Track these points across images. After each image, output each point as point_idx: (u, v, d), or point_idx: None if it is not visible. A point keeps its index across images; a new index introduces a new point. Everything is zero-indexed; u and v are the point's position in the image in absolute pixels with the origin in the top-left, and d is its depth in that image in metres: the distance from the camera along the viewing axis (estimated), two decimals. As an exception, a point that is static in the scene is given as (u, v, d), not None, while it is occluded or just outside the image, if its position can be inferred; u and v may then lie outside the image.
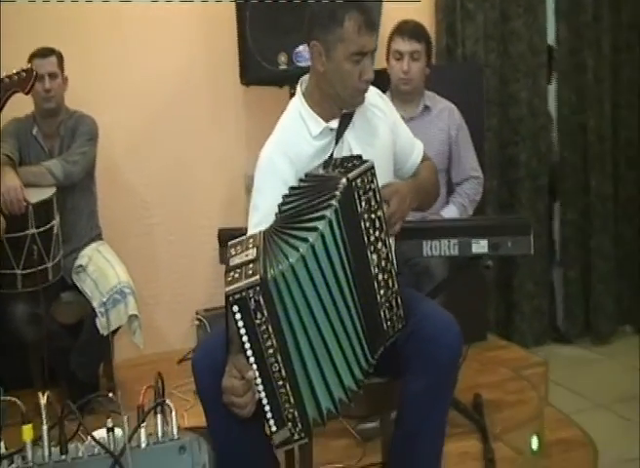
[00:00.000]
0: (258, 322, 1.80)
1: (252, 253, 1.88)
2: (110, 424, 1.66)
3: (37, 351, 3.20)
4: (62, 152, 3.38)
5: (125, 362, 3.75)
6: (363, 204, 2.00)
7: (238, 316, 1.79)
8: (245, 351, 1.81)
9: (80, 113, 3.50)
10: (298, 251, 1.87)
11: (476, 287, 3.96)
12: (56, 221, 3.19)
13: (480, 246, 2.75)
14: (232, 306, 1.78)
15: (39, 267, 3.09)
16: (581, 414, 3.48)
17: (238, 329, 1.79)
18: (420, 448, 2.17)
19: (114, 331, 3.27)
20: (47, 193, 3.17)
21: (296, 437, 1.92)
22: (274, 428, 1.88)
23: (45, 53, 3.30)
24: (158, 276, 4.07)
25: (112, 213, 3.80)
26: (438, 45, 4.36)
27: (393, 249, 2.15)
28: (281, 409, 1.88)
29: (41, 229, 3.10)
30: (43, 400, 1.63)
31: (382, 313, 2.06)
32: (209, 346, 2.10)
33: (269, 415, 1.87)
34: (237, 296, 1.78)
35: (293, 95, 3.75)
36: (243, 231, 2.37)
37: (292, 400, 1.89)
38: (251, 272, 1.81)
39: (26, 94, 2.75)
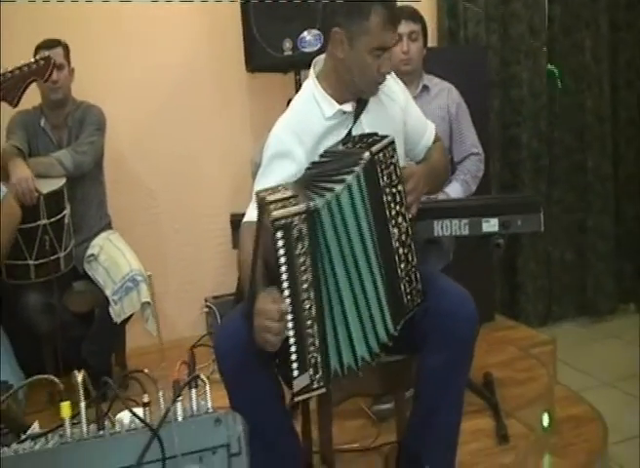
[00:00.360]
0: (297, 252, 1.82)
1: (288, 192, 1.90)
2: (146, 399, 1.68)
3: (50, 340, 3.23)
4: (71, 143, 3.40)
5: (135, 350, 3.76)
6: (385, 178, 2.03)
7: (280, 243, 1.80)
8: (281, 282, 1.82)
9: (87, 103, 3.51)
10: (333, 191, 1.91)
11: (483, 268, 3.99)
12: (66, 211, 3.21)
13: (490, 225, 2.77)
14: (276, 232, 1.79)
15: (51, 257, 3.12)
16: (588, 392, 3.52)
17: (278, 257, 1.81)
18: (439, 422, 2.19)
19: (126, 320, 3.30)
20: (57, 183, 3.19)
21: (315, 385, 1.92)
22: (296, 372, 1.88)
23: (51, 44, 3.30)
24: (166, 264, 4.08)
25: (119, 202, 3.80)
26: (440, 28, 4.40)
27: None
28: (305, 351, 1.88)
29: (52, 219, 3.12)
30: (79, 377, 1.65)
31: (403, 286, 2.08)
32: (231, 327, 2.09)
33: (294, 357, 1.87)
34: (282, 222, 1.79)
35: (298, 81, 3.84)
36: (256, 216, 2.40)
37: (317, 343, 1.89)
38: (294, 203, 1.84)
39: (45, 81, 2.76)
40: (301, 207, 1.83)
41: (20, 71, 2.59)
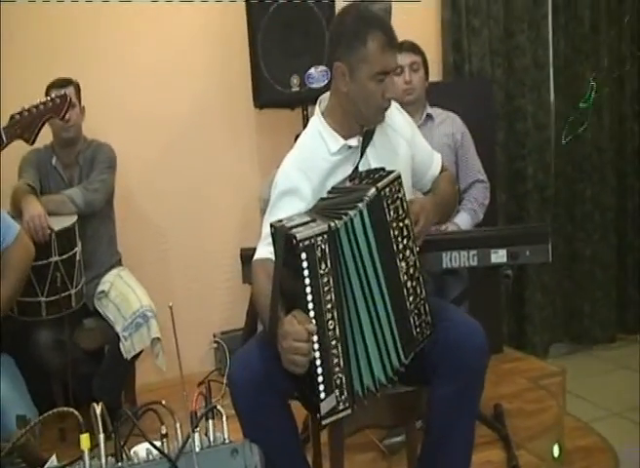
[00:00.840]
0: (321, 272, 1.86)
1: (306, 219, 1.95)
2: (164, 431, 1.69)
3: (61, 377, 3.24)
4: (82, 181, 3.44)
5: (145, 386, 3.77)
6: (392, 212, 2.05)
7: (305, 264, 1.83)
8: (306, 303, 1.86)
9: (98, 142, 3.55)
10: (347, 215, 1.95)
11: (491, 300, 4.00)
12: (78, 248, 3.24)
13: (499, 256, 2.79)
14: (301, 253, 1.83)
15: (62, 294, 3.14)
16: (597, 423, 3.52)
17: (303, 278, 1.84)
18: (450, 453, 2.20)
19: (136, 356, 3.31)
20: (69, 221, 3.22)
21: (341, 406, 1.94)
22: (323, 394, 1.89)
23: (63, 83, 3.35)
24: (174, 301, 4.06)
25: (128, 239, 3.83)
26: (445, 61, 4.45)
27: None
28: (331, 372, 1.90)
29: (64, 257, 3.15)
30: (98, 409, 1.66)
31: (412, 319, 2.09)
32: (245, 359, 2.12)
33: (320, 379, 1.88)
34: (307, 243, 1.83)
35: (305, 116, 3.89)
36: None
37: (341, 363, 1.92)
38: (315, 225, 1.89)
39: (61, 119, 2.79)
40: (324, 227, 1.88)
41: (36, 109, 2.63)
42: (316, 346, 1.86)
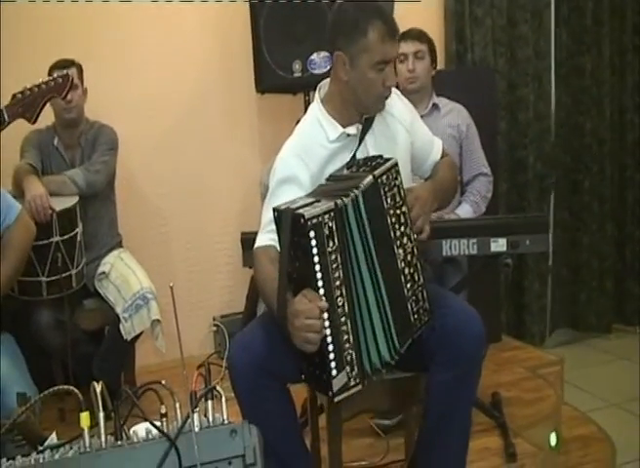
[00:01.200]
0: (329, 250, 1.87)
1: (310, 200, 1.96)
2: (164, 410, 1.70)
3: (61, 357, 3.25)
4: (83, 162, 3.43)
5: (144, 368, 3.78)
6: (389, 200, 2.06)
7: (314, 242, 1.84)
8: (315, 281, 1.86)
9: (100, 123, 3.55)
10: (352, 193, 1.96)
11: (490, 289, 4.01)
12: (79, 229, 3.24)
13: (499, 244, 2.79)
14: (309, 231, 1.84)
15: (63, 274, 3.14)
16: (595, 413, 3.54)
17: (311, 256, 1.85)
18: (447, 439, 2.21)
19: (136, 337, 3.32)
20: (70, 202, 3.22)
21: (352, 383, 1.95)
22: (335, 371, 1.90)
23: (65, 64, 3.33)
24: (175, 283, 4.06)
25: (129, 221, 3.84)
26: (448, 50, 4.44)
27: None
28: (342, 348, 1.92)
29: (65, 237, 3.15)
30: (98, 388, 1.67)
31: (410, 306, 2.11)
32: (245, 343, 2.13)
33: (332, 356, 1.89)
34: (315, 221, 1.84)
35: (307, 102, 3.89)
36: (265, 235, 2.42)
37: (351, 339, 1.94)
38: (321, 204, 1.90)
39: (63, 99, 2.79)
40: (330, 205, 1.89)
41: (38, 88, 2.62)
42: (327, 324, 1.87)
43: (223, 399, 1.82)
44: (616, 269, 5.01)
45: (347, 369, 1.93)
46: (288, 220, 1.89)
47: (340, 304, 1.91)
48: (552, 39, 4.72)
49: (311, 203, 1.92)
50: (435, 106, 3.46)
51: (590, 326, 4.92)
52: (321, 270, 1.86)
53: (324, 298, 1.87)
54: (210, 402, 1.80)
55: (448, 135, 3.34)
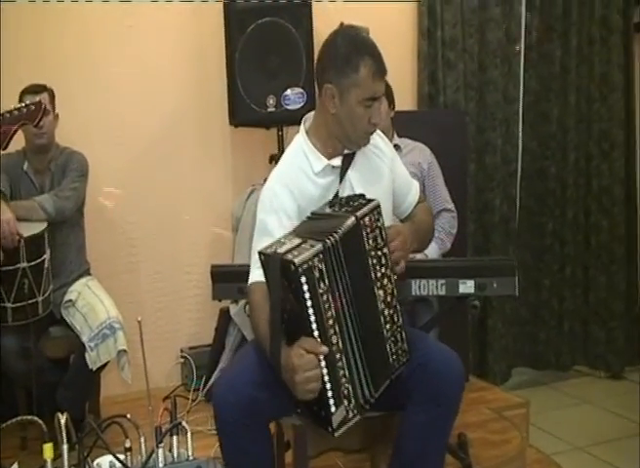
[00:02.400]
0: (321, 291, 1.88)
1: (296, 241, 1.96)
2: (128, 444, 1.68)
3: (25, 385, 3.19)
4: (53, 188, 3.40)
5: (110, 398, 3.74)
6: (370, 241, 2.06)
7: (306, 287, 1.85)
8: (310, 324, 1.87)
9: (70, 150, 3.52)
10: (336, 234, 1.97)
11: (458, 329, 4.03)
12: (46, 256, 3.19)
13: (467, 286, 2.81)
14: (301, 277, 1.84)
15: (29, 301, 3.08)
16: (559, 456, 3.55)
17: (304, 301, 1.85)
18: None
19: (102, 367, 3.27)
20: (39, 228, 3.17)
21: (350, 415, 1.97)
22: (333, 408, 1.92)
23: (37, 89, 3.31)
24: (143, 313, 4.02)
25: (98, 249, 3.80)
26: (420, 92, 4.50)
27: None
28: (339, 383, 1.93)
29: (32, 263, 3.09)
30: (63, 420, 1.65)
31: (388, 347, 2.10)
32: (232, 382, 2.10)
33: (330, 394, 1.91)
34: (305, 266, 1.85)
35: (280, 136, 3.91)
36: (235, 268, 2.43)
37: (347, 374, 1.95)
38: (309, 246, 1.90)
39: (35, 126, 2.77)
40: (319, 247, 1.90)
41: (10, 115, 2.60)
42: (323, 364, 1.89)
43: (189, 434, 1.80)
44: (581, 312, 5.06)
45: (345, 402, 1.95)
46: (277, 266, 1.90)
47: (335, 342, 1.92)
48: (521, 84, 4.80)
49: (298, 245, 1.92)
50: (396, 147, 3.48)
51: (549, 364, 4.97)
52: (315, 313, 1.87)
53: (319, 340, 1.88)
54: (175, 437, 1.78)
55: (410, 173, 3.36)
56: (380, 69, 2.21)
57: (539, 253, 4.96)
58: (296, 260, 1.83)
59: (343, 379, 1.94)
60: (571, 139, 4.90)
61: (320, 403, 1.92)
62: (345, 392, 1.94)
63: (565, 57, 4.84)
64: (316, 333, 1.88)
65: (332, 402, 1.91)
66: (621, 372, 4.98)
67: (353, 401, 1.97)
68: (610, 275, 5.01)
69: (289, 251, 1.89)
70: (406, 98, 4.46)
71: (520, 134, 4.85)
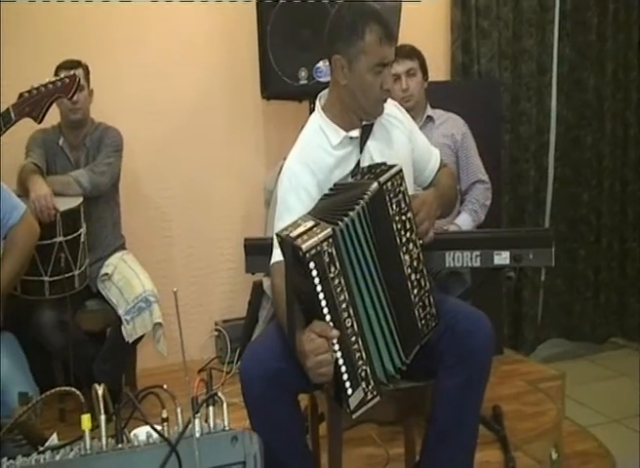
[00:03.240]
0: (331, 275, 1.87)
1: (309, 224, 1.95)
2: (165, 415, 1.69)
3: (62, 358, 3.25)
4: (88, 163, 3.43)
5: (145, 371, 3.79)
6: (394, 206, 2.06)
7: (315, 272, 1.85)
8: (321, 309, 1.87)
9: (105, 125, 3.55)
10: (348, 216, 1.95)
11: (492, 302, 4.00)
12: (82, 230, 3.23)
13: (502, 258, 2.78)
14: (309, 262, 1.84)
15: (66, 275, 3.14)
16: (596, 429, 3.54)
17: (314, 286, 1.85)
18: (455, 444, 2.19)
19: (138, 340, 3.31)
20: (74, 202, 3.21)
21: (369, 396, 1.96)
22: (350, 390, 1.92)
23: (71, 65, 3.33)
24: (177, 287, 4.07)
25: (132, 224, 3.84)
26: (454, 62, 4.45)
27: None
28: (355, 367, 1.93)
29: (68, 237, 3.14)
30: (100, 391, 1.66)
31: (417, 312, 2.10)
32: (259, 356, 2.11)
33: (345, 377, 1.91)
34: (313, 251, 1.84)
35: (313, 109, 3.87)
36: (268, 241, 2.42)
37: (364, 355, 1.95)
38: (319, 231, 1.89)
39: (69, 99, 2.79)
40: (328, 231, 1.88)
41: (45, 88, 2.62)
42: (337, 347, 1.88)
43: (225, 405, 1.81)
44: (617, 283, 5.01)
45: (363, 384, 1.94)
46: (289, 250, 1.91)
47: (349, 325, 1.91)
48: (555, 54, 4.73)
49: (311, 228, 1.91)
50: (429, 118, 3.47)
51: (584, 336, 4.94)
52: (325, 297, 1.87)
53: (332, 324, 1.88)
54: (211, 408, 1.79)
55: (443, 144, 3.34)
56: (386, 34, 2.20)
57: (574, 223, 4.91)
58: (303, 246, 1.83)
59: (360, 362, 1.93)
60: (608, 109, 4.82)
61: (337, 385, 1.93)
62: (363, 374, 1.94)
63: (601, 23, 4.75)
64: (328, 318, 1.87)
65: (348, 384, 1.91)
66: (660, 344, 4.93)
67: (372, 382, 1.96)
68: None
69: (300, 235, 1.89)
70: (440, 69, 4.42)
71: (554, 103, 4.78)
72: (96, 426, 1.68)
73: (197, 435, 1.69)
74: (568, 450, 3.12)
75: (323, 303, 1.86)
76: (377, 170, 2.14)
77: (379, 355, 2.03)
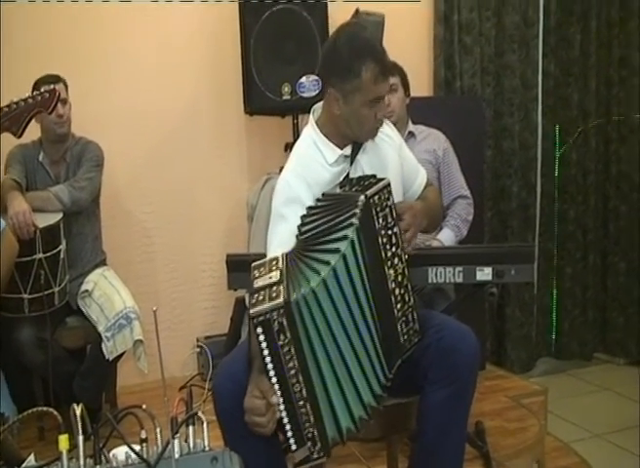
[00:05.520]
0: (280, 343, 1.83)
1: (275, 276, 1.91)
2: (144, 435, 1.67)
3: (41, 375, 3.22)
4: (68, 178, 3.41)
5: (126, 388, 3.76)
6: (380, 220, 2.05)
7: (262, 338, 1.81)
8: (267, 372, 1.84)
9: (86, 139, 3.52)
10: (319, 274, 1.90)
11: (474, 317, 4.00)
12: (62, 246, 3.21)
13: (484, 273, 2.77)
14: (256, 328, 1.80)
15: (46, 292, 3.11)
16: (578, 444, 3.53)
17: (261, 350, 1.82)
18: (443, 459, 2.18)
19: (118, 357, 3.28)
20: (54, 218, 3.19)
21: (315, 455, 1.93)
22: (294, 447, 1.90)
23: (53, 79, 3.29)
24: (158, 303, 4.07)
25: (114, 239, 3.81)
26: (436, 78, 4.46)
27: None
28: (301, 428, 1.90)
29: (48, 254, 3.12)
30: (78, 410, 1.64)
31: (399, 327, 2.09)
32: (231, 370, 2.09)
33: (289, 434, 1.89)
34: (261, 318, 1.80)
35: (296, 124, 3.90)
36: (251, 257, 2.41)
37: (312, 419, 1.91)
38: (274, 295, 1.84)
39: (50, 113, 2.75)
40: (279, 302, 1.82)
41: (25, 103, 2.59)
42: (282, 408, 1.86)
43: (205, 424, 1.80)
44: (598, 298, 5.02)
45: (309, 444, 1.91)
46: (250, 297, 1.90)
47: (297, 390, 1.87)
48: (540, 70, 4.75)
49: (272, 285, 1.87)
50: (411, 134, 3.48)
51: (573, 354, 4.93)
52: (272, 362, 1.83)
53: (277, 387, 1.84)
54: (191, 427, 1.77)
55: (424, 160, 3.34)
56: (382, 71, 2.19)
57: (561, 240, 4.93)
58: (251, 311, 1.81)
59: (307, 424, 1.90)
60: (592, 125, 4.84)
61: (284, 436, 1.91)
62: (309, 435, 1.91)
63: (584, 40, 4.78)
64: (274, 380, 1.84)
65: (292, 441, 1.89)
66: (641, 358, 4.94)
67: (319, 444, 1.92)
68: (629, 261, 4.96)
69: (258, 290, 1.87)
70: (422, 84, 4.43)
71: (540, 119, 4.80)
72: (74, 446, 1.66)
73: (176, 456, 1.67)
74: (550, 466, 3.12)
75: (270, 366, 1.83)
76: (365, 182, 2.13)
77: (337, 414, 1.97)
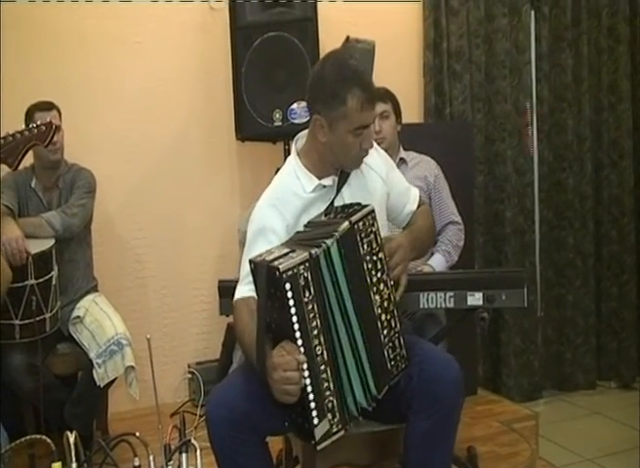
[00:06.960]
0: (306, 300, 1.88)
1: (285, 250, 1.97)
2: (137, 462, 1.68)
3: (32, 402, 3.20)
4: (61, 204, 3.42)
5: (117, 414, 3.74)
6: (365, 246, 2.07)
7: (290, 294, 1.85)
8: (293, 332, 1.87)
9: (78, 166, 3.54)
10: (324, 243, 1.97)
11: (466, 342, 4.01)
12: (54, 272, 3.21)
13: (475, 298, 2.78)
14: (285, 283, 1.84)
15: (37, 318, 3.10)
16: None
17: (288, 308, 1.85)
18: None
19: (110, 383, 3.27)
20: (46, 244, 3.19)
21: (334, 429, 1.95)
22: (316, 421, 1.91)
23: (47, 106, 3.34)
24: (150, 329, 4.05)
25: (105, 265, 3.82)
26: (427, 104, 4.49)
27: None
28: (323, 396, 1.92)
29: (40, 280, 3.12)
30: (72, 438, 1.65)
31: (386, 352, 2.10)
32: (225, 397, 2.09)
33: (313, 405, 1.90)
34: (290, 273, 1.85)
35: (287, 151, 3.91)
36: (242, 283, 2.41)
37: (332, 386, 1.94)
38: (295, 255, 1.91)
39: (46, 146, 2.76)
40: (304, 256, 1.90)
41: (21, 135, 2.61)
42: (306, 373, 1.88)
43: (198, 451, 1.80)
44: (592, 323, 4.99)
45: (329, 416, 1.93)
46: (263, 273, 1.91)
47: (319, 353, 1.91)
48: (534, 95, 4.78)
49: (286, 254, 1.93)
50: (402, 160, 3.49)
51: (577, 385, 4.88)
52: (298, 321, 1.87)
53: (302, 349, 1.87)
54: (184, 454, 1.78)
55: (416, 186, 3.35)
56: (368, 99, 2.20)
57: (561, 267, 4.91)
58: (280, 267, 1.84)
59: (328, 392, 1.93)
60: (588, 150, 4.87)
61: (303, 414, 1.91)
62: (330, 405, 1.93)
63: (577, 66, 4.82)
64: (300, 342, 1.88)
65: (314, 413, 1.90)
66: (632, 383, 4.94)
67: (338, 415, 1.95)
68: (621, 285, 4.97)
69: (276, 258, 1.91)
70: (412, 111, 4.46)
71: (535, 144, 4.82)
72: (67, 474, 1.66)
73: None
74: (542, 491, 3.11)
75: (296, 326, 1.86)
76: (349, 209, 2.16)
77: (349, 386, 2.02)
